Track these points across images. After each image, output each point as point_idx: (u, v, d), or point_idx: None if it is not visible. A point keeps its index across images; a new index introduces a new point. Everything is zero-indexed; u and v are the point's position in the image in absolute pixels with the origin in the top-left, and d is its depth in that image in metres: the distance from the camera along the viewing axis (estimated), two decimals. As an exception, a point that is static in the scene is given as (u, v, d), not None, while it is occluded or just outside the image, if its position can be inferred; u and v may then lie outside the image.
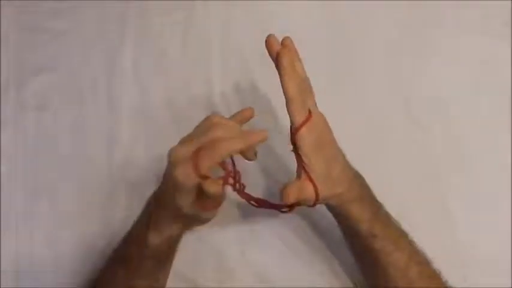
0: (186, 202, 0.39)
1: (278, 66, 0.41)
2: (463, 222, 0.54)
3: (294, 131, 0.41)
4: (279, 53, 0.40)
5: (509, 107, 0.60)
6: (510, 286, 0.51)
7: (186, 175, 0.37)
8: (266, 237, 0.54)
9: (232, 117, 0.48)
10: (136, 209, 0.55)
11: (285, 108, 0.41)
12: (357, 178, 0.46)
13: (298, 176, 0.42)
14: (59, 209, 0.56)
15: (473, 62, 0.62)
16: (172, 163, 0.38)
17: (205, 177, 0.37)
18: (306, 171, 0.41)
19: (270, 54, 0.42)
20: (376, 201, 0.47)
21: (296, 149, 0.41)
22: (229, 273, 0.53)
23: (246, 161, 0.45)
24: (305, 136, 0.41)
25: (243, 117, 0.47)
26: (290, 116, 0.41)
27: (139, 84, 0.62)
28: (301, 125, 0.40)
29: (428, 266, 0.45)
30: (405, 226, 0.47)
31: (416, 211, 0.54)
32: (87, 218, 0.55)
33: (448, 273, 0.46)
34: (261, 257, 0.53)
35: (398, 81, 0.62)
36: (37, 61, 0.63)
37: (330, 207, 0.46)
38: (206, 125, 0.40)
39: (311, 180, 0.41)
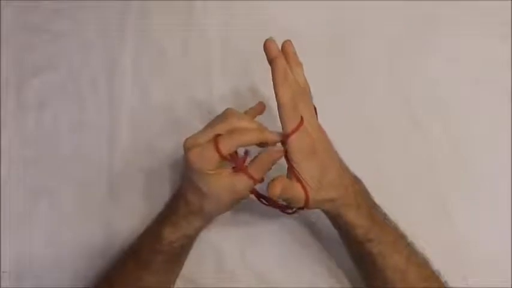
0: (210, 184, 0.41)
1: (272, 72, 0.40)
2: (463, 222, 0.54)
3: (284, 138, 0.41)
4: (273, 59, 0.40)
5: (509, 107, 0.60)
6: (510, 286, 0.51)
7: (197, 156, 0.40)
8: (266, 238, 0.54)
9: (246, 112, 0.49)
10: (136, 209, 0.55)
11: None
12: (355, 183, 0.45)
13: (289, 179, 0.42)
14: (59, 209, 0.56)
15: (473, 62, 0.62)
16: (185, 149, 0.41)
17: (225, 159, 0.40)
18: (295, 176, 0.41)
19: (267, 59, 0.41)
20: (374, 204, 0.46)
21: (286, 155, 0.41)
22: (229, 273, 0.53)
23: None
24: (294, 144, 0.40)
25: (256, 111, 0.49)
26: (281, 123, 0.41)
27: (139, 84, 0.62)
28: (291, 133, 0.40)
29: (427, 267, 0.45)
30: (405, 226, 0.47)
31: (416, 211, 0.54)
32: (87, 218, 0.55)
33: (448, 273, 0.46)
34: (260, 257, 0.53)
35: (398, 81, 0.62)
36: (37, 61, 0.63)
37: (325, 212, 0.46)
38: (224, 116, 0.42)
39: (301, 183, 0.41)
